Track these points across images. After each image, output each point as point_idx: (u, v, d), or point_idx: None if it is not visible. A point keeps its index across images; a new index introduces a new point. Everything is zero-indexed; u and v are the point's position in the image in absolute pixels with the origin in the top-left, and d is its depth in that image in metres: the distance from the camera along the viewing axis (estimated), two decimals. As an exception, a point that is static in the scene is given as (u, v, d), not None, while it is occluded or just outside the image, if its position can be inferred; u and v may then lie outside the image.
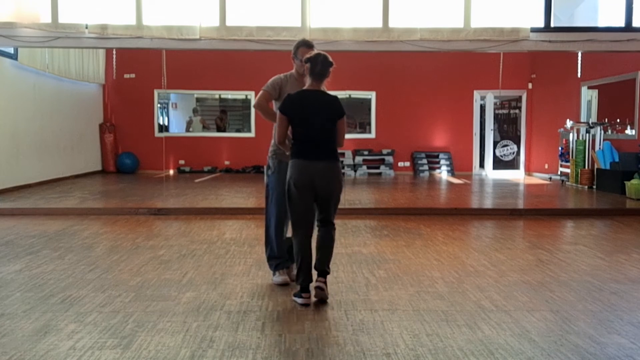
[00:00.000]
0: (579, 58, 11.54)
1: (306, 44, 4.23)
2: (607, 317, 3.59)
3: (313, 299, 3.83)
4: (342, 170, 4.01)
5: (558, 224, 7.35)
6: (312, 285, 3.83)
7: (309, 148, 3.80)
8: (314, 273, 3.87)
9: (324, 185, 3.81)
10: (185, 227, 6.78)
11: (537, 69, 14.02)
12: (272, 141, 4.30)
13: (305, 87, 3.91)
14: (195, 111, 15.91)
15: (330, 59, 3.85)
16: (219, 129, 15.48)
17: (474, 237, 6.56)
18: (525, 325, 3.43)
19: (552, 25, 8.46)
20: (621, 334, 3.30)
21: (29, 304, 3.79)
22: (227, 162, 14.45)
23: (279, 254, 4.31)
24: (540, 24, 8.44)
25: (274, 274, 4.33)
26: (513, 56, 12.07)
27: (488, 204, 9.15)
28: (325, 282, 3.83)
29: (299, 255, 3.84)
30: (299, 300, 3.81)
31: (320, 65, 3.80)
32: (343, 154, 11.35)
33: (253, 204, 8.66)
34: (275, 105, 4.28)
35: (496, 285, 4.31)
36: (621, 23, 8.49)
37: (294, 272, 3.99)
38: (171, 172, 14.09)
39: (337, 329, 3.36)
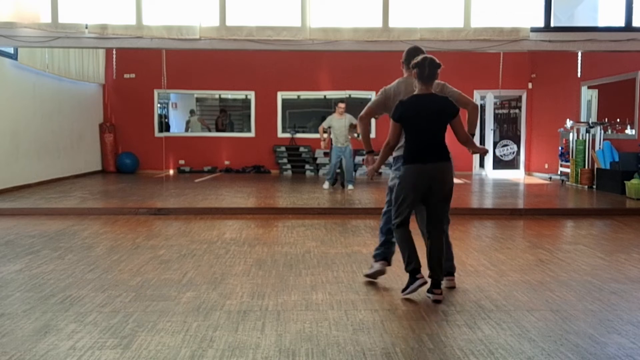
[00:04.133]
0: (579, 58, 11.54)
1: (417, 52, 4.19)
2: (607, 317, 3.59)
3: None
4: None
5: (558, 224, 7.35)
6: (431, 296, 3.91)
7: (423, 152, 3.87)
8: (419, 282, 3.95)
9: (439, 187, 3.87)
10: (185, 227, 6.78)
11: (537, 69, 14.02)
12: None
13: (416, 92, 3.95)
14: (192, 112, 15.90)
15: (438, 61, 3.86)
16: (218, 129, 15.51)
17: (474, 237, 6.56)
18: (525, 325, 3.43)
19: (552, 25, 8.46)
20: (621, 334, 3.30)
21: (29, 304, 3.79)
22: (227, 162, 14.45)
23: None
24: (540, 23, 8.44)
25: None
26: (513, 56, 12.07)
27: (488, 203, 9.15)
28: (441, 292, 3.92)
29: (406, 248, 3.94)
30: (415, 284, 3.88)
31: (428, 69, 3.83)
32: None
33: (253, 204, 8.67)
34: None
35: (496, 285, 4.31)
36: (621, 23, 8.48)
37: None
38: (171, 172, 14.09)
39: (337, 329, 3.36)
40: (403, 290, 3.98)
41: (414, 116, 3.86)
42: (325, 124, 10.47)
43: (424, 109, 3.87)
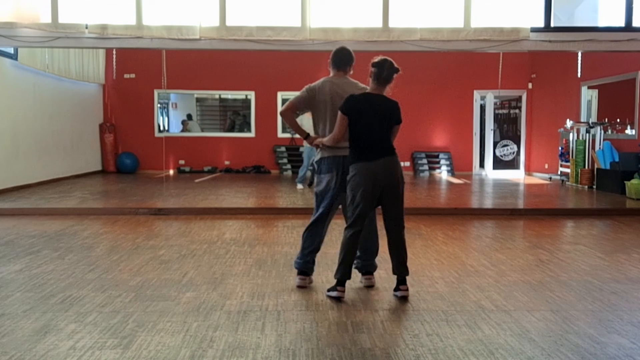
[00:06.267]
0: (579, 58, 11.54)
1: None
2: (607, 317, 3.59)
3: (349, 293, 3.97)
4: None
5: (558, 224, 7.35)
6: (396, 292, 3.95)
7: (368, 149, 3.89)
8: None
9: (388, 181, 3.88)
10: (185, 227, 6.78)
11: (537, 69, 14.02)
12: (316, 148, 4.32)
13: (368, 91, 4.00)
14: (189, 116, 15.85)
15: (396, 65, 3.91)
16: (233, 129, 15.54)
17: (474, 237, 6.56)
18: (526, 325, 3.43)
19: (552, 25, 8.46)
20: (621, 334, 3.30)
21: (29, 304, 3.79)
22: (227, 162, 14.45)
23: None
24: (540, 23, 8.44)
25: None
26: (513, 56, 12.08)
27: (488, 204, 9.15)
28: (407, 287, 3.96)
29: (344, 249, 3.93)
30: (334, 294, 3.90)
31: (386, 72, 3.89)
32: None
33: (253, 204, 8.67)
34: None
35: (496, 285, 4.31)
36: (621, 23, 8.48)
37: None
38: (171, 172, 14.09)
39: (337, 329, 3.36)
40: (328, 290, 4.01)
41: (363, 112, 3.88)
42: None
43: (375, 107, 3.90)
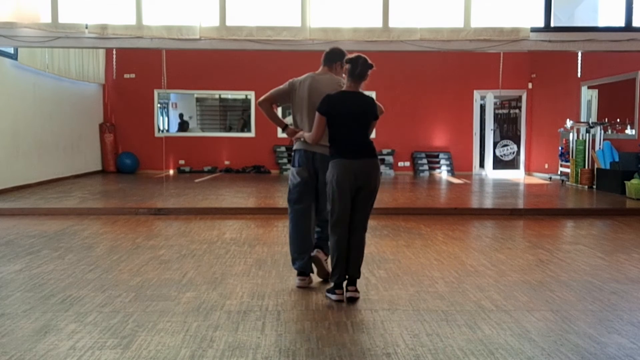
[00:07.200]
0: (579, 58, 11.54)
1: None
2: (607, 317, 3.60)
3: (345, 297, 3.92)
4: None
5: (558, 224, 7.35)
6: (345, 294, 3.92)
7: (349, 147, 3.88)
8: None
9: (365, 183, 3.87)
10: (185, 227, 6.78)
11: (537, 69, 14.02)
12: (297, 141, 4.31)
13: (343, 89, 3.99)
14: (187, 124, 15.84)
15: (370, 62, 3.90)
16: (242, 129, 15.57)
17: (474, 237, 6.56)
18: (526, 325, 3.43)
19: (552, 25, 8.46)
20: (621, 334, 3.30)
21: (29, 304, 3.79)
22: (227, 162, 14.45)
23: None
24: (540, 23, 8.44)
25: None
26: (513, 56, 12.08)
27: (488, 204, 9.15)
28: (356, 289, 3.92)
29: (335, 252, 3.90)
30: (333, 297, 3.88)
31: (360, 68, 3.86)
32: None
33: (253, 204, 8.67)
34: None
35: (496, 285, 4.31)
36: (621, 23, 8.48)
37: (329, 268, 4.11)
38: (171, 172, 14.09)
39: (337, 329, 3.36)
40: (327, 291, 3.99)
41: (340, 112, 3.87)
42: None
43: (351, 106, 3.89)
